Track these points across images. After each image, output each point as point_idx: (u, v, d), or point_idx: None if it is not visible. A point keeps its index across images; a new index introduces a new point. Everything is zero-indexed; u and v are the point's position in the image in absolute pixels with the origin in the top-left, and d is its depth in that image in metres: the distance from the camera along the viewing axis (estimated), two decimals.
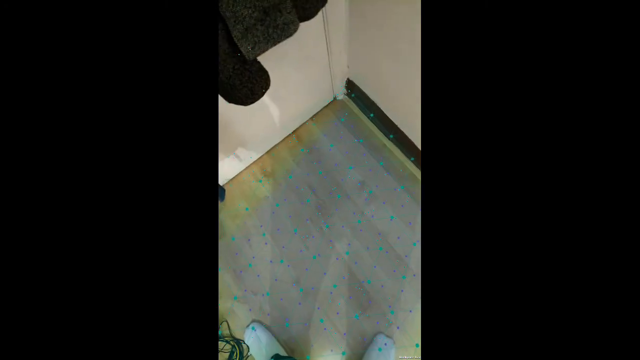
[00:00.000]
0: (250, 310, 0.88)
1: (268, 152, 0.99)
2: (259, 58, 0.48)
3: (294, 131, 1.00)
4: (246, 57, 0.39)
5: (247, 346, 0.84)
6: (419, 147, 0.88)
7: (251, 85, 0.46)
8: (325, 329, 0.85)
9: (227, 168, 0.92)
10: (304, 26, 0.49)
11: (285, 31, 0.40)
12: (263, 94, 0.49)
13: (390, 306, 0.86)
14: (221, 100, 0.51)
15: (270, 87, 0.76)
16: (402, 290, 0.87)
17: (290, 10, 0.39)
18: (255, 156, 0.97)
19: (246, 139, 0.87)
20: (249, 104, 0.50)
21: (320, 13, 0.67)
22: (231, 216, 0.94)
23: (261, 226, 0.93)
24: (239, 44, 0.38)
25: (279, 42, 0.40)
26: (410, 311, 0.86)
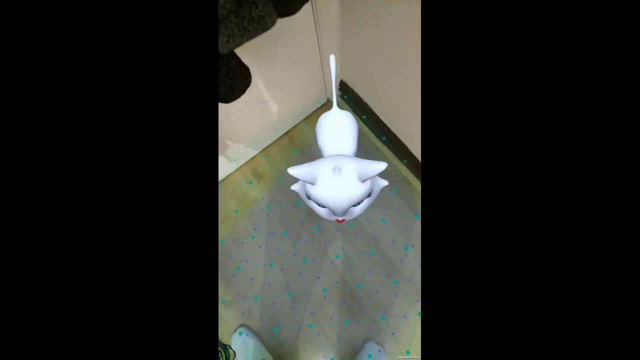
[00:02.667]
0: (242, 315, 0.86)
1: (259, 153, 0.98)
2: (239, 53, 0.47)
3: (286, 132, 0.99)
4: (220, 50, 0.38)
5: (234, 352, 0.82)
6: (411, 149, 0.86)
7: (230, 82, 0.45)
8: (318, 334, 0.83)
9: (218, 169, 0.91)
10: (294, 25, 0.48)
11: (262, 24, 0.39)
12: (244, 91, 0.48)
13: (385, 312, 0.83)
14: None
15: (261, 87, 0.76)
16: (396, 296, 0.85)
17: (266, 2, 0.38)
18: (246, 157, 0.96)
19: (237, 140, 0.86)
20: (231, 102, 0.49)
21: (310, 12, 0.66)
22: (221, 218, 0.93)
23: (255, 229, 0.91)
24: None
25: (255, 35, 0.39)
26: (405, 317, 0.83)
